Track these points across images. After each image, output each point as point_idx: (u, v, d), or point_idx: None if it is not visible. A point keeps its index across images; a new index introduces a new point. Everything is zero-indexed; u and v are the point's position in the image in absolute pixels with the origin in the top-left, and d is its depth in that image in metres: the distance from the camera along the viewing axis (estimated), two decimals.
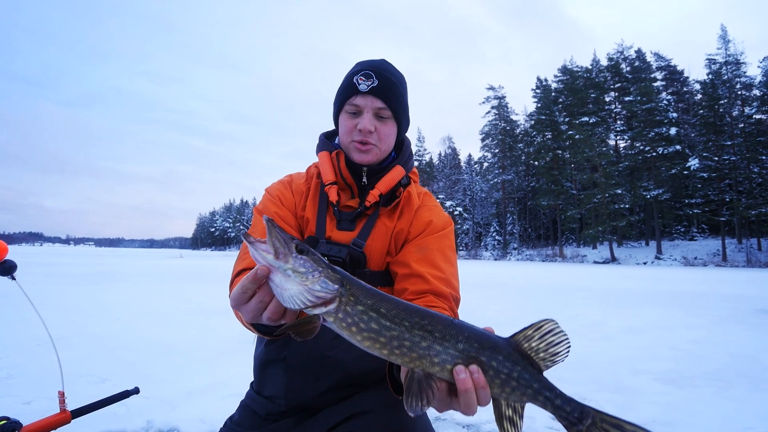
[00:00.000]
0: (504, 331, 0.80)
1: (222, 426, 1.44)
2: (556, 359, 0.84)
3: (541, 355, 0.83)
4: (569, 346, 0.84)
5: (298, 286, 0.78)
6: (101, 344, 5.28)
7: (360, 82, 1.33)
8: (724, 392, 3.88)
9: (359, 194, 1.42)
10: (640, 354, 5.33)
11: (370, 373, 1.36)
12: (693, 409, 3.44)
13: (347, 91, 1.36)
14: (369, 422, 1.21)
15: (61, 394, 1.70)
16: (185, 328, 6.42)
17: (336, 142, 1.50)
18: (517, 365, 0.82)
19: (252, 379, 1.52)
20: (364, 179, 1.40)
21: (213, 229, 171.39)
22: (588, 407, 0.83)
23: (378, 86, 1.34)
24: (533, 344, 0.83)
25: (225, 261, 39.06)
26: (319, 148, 1.50)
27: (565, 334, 0.84)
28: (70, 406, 1.68)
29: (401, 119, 1.43)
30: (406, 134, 1.57)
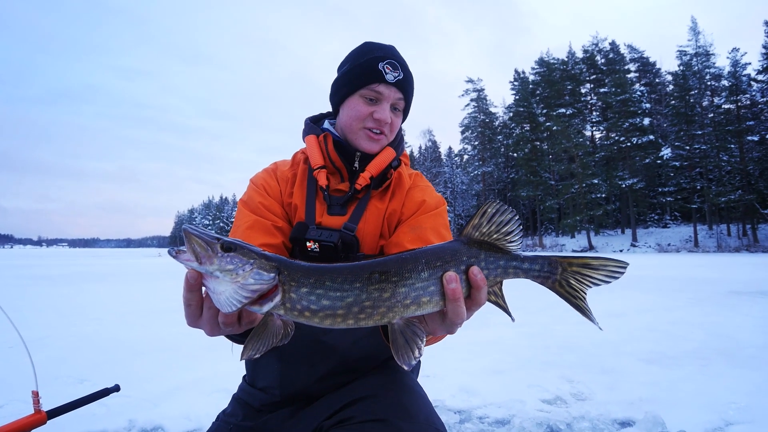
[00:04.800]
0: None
1: (214, 419, 1.37)
2: (512, 237, 0.84)
3: (494, 236, 0.84)
4: (519, 221, 0.84)
5: (230, 285, 0.73)
6: (78, 345, 5.09)
7: (387, 71, 1.29)
8: (705, 370, 3.98)
9: (349, 178, 1.37)
10: (622, 336, 5.44)
11: (367, 358, 1.32)
12: (677, 387, 3.51)
13: (369, 77, 1.30)
14: (372, 406, 1.16)
15: (35, 394, 1.60)
16: (166, 326, 6.24)
17: (324, 125, 1.45)
18: (480, 254, 0.82)
19: (243, 373, 1.47)
20: (356, 164, 1.36)
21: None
22: (553, 257, 0.85)
23: (403, 79, 1.32)
24: (484, 230, 0.84)
25: None
26: (306, 133, 1.44)
27: (511, 210, 0.84)
28: (46, 407, 1.58)
29: (407, 113, 1.43)
30: None
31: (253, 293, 0.73)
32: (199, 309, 0.81)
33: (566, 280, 0.86)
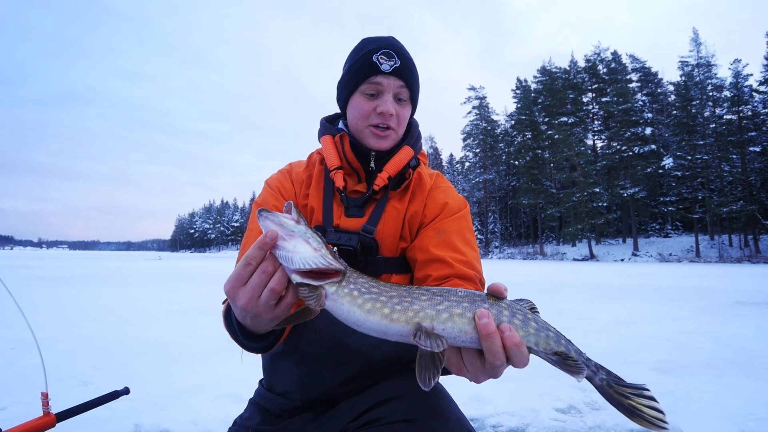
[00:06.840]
0: None
1: (231, 425, 1.32)
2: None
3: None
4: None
5: (313, 251, 0.83)
6: (81, 346, 5.03)
7: (382, 61, 1.25)
8: (718, 380, 3.91)
9: (366, 179, 1.34)
10: (631, 345, 5.37)
11: (391, 359, 1.27)
12: (692, 397, 3.44)
13: (365, 71, 1.26)
14: (401, 406, 1.11)
15: (45, 396, 1.55)
16: (169, 328, 6.19)
17: (339, 126, 1.42)
18: (526, 308, 0.85)
19: (252, 377, 1.42)
20: (372, 164, 1.32)
21: (192, 231, 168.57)
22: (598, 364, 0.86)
23: (400, 67, 1.27)
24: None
25: (205, 262, 38.32)
26: (321, 133, 1.41)
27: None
28: (53, 409, 1.53)
29: (416, 101, 1.37)
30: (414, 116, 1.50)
31: (326, 263, 0.83)
32: (252, 273, 0.84)
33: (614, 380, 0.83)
